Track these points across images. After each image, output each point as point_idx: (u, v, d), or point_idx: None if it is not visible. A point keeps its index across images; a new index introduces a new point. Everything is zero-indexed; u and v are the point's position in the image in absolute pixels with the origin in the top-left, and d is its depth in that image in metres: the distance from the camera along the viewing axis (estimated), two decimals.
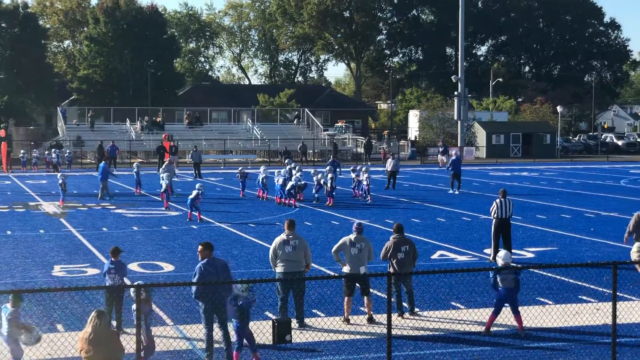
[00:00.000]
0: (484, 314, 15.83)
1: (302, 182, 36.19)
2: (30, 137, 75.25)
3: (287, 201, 35.02)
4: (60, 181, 35.94)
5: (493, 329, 15.21)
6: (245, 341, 13.21)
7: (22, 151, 61.01)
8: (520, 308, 15.22)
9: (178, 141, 65.13)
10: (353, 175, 38.69)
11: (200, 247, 13.84)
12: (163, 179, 34.87)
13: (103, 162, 40.95)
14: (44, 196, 39.56)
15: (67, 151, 60.84)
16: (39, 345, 13.02)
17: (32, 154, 59.57)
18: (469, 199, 38.46)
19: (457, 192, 40.45)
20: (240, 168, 41.26)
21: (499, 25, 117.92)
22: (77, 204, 36.24)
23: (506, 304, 15.10)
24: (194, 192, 30.18)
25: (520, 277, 15.15)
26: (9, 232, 27.66)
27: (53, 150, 58.21)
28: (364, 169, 38.36)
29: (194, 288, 13.32)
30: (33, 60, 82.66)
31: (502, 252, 15.38)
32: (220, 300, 13.28)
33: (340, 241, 16.19)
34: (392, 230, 17.02)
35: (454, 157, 42.27)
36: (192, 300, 16.93)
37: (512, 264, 15.73)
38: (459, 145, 73.28)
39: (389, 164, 42.31)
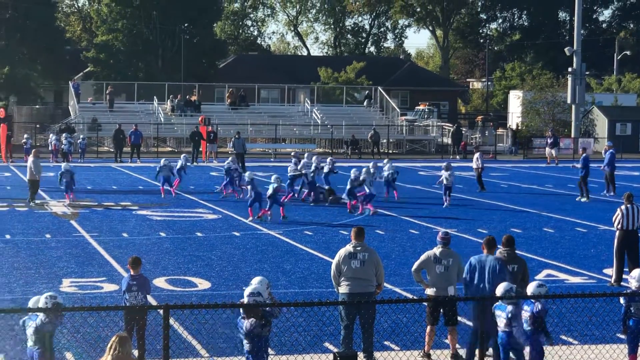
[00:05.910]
0: (603, 351, 15.65)
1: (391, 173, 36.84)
2: (35, 119, 76.23)
3: (355, 203, 34.81)
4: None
5: None
6: None
7: (25, 136, 61.76)
8: None
9: (217, 126, 65.54)
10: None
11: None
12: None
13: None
14: (51, 192, 40.05)
15: (80, 137, 61.54)
16: None
17: (37, 140, 60.31)
18: (585, 204, 38.07)
19: (612, 193, 40.15)
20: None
21: None
22: (91, 202, 36.64)
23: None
24: (271, 187, 30.99)
25: None
26: (8, 237, 28.05)
27: (63, 135, 58.91)
28: (444, 164, 38.15)
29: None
30: (40, 23, 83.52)
31: (636, 272, 15.20)
32: None
33: (423, 257, 16.15)
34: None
35: (610, 151, 41.09)
36: (233, 326, 16.98)
37: None
38: (572, 135, 72.54)
39: (476, 160, 41.75)
